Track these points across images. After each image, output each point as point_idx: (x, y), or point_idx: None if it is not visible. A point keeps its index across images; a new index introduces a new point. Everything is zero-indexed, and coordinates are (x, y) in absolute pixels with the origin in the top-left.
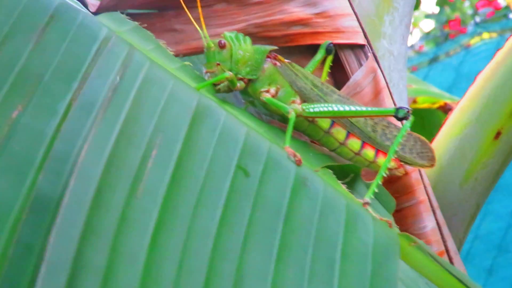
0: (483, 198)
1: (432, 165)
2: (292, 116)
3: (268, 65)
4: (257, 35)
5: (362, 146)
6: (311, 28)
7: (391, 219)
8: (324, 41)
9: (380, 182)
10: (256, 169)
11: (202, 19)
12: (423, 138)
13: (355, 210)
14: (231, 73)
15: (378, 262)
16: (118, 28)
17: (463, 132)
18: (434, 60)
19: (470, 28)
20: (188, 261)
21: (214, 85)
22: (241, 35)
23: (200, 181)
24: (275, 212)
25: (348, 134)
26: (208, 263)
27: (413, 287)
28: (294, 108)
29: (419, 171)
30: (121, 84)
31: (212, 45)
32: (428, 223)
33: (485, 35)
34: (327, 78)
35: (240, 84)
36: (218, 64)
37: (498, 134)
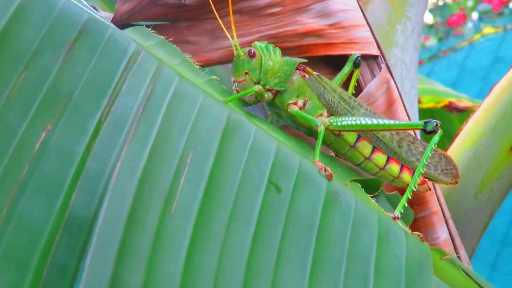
0: (497, 207)
1: (456, 182)
2: (321, 129)
3: (296, 77)
4: None
5: (387, 161)
6: (324, 39)
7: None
8: (340, 53)
9: (410, 196)
10: (287, 184)
11: (233, 28)
12: (448, 155)
13: (388, 224)
14: (260, 86)
15: (411, 276)
16: (145, 42)
17: (478, 143)
18: (437, 55)
19: (469, 24)
20: (222, 279)
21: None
22: (271, 46)
23: (232, 197)
24: (307, 228)
25: (374, 149)
26: (243, 282)
27: None
28: (322, 121)
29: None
30: (152, 99)
31: (242, 54)
32: (441, 233)
33: (490, 30)
34: (354, 92)
35: (268, 95)
36: (247, 73)
37: None
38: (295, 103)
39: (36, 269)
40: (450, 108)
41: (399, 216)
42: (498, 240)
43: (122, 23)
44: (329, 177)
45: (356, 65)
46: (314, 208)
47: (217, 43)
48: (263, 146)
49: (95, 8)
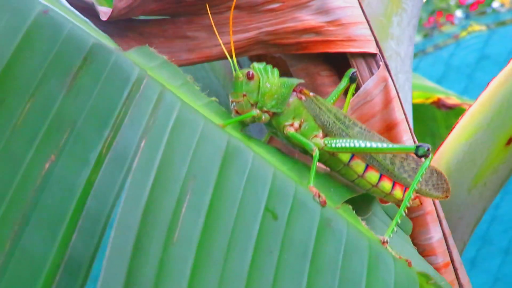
0: (490, 202)
1: (446, 196)
2: (316, 154)
3: (293, 99)
4: (269, 43)
5: (380, 179)
6: (323, 36)
7: (409, 241)
8: (338, 50)
9: (399, 221)
10: (283, 211)
11: (233, 49)
12: (439, 170)
13: (377, 250)
14: (258, 111)
15: None
16: (148, 63)
17: (474, 137)
18: (424, 51)
19: (456, 20)
20: None
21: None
22: (269, 67)
23: (231, 225)
24: (302, 254)
25: (367, 167)
26: None
27: None
28: (316, 142)
29: None
30: (154, 129)
31: (241, 75)
32: (435, 234)
33: (475, 27)
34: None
35: (265, 117)
36: (245, 95)
37: (510, 140)
38: (291, 125)
39: None
40: (439, 104)
41: (388, 240)
42: (479, 237)
43: (122, 18)
44: (323, 204)
45: (352, 80)
46: (308, 234)
47: (216, 39)
48: (261, 173)
49: (92, 5)
